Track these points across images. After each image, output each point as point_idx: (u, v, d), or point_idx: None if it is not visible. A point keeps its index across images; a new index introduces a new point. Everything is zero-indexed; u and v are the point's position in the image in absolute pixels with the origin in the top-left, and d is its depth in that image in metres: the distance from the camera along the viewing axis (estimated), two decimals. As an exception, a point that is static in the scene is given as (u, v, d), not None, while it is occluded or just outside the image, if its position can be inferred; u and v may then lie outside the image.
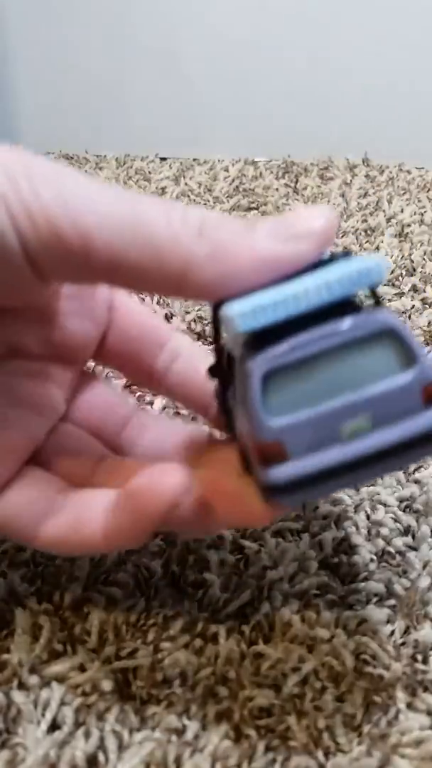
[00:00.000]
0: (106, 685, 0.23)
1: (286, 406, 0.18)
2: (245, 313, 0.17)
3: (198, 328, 0.43)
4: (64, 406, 0.25)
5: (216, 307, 0.20)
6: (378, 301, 0.19)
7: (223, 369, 0.22)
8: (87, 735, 0.22)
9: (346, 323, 0.18)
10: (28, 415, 0.24)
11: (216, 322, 0.20)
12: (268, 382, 0.18)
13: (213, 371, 0.23)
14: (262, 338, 0.18)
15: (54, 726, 0.22)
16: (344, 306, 0.18)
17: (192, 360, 0.26)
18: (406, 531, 0.29)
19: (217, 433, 0.27)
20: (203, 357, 0.26)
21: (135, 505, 0.21)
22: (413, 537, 0.29)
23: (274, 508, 0.20)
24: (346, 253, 0.19)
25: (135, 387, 0.36)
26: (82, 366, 0.26)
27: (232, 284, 0.19)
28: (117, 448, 0.26)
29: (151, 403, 0.35)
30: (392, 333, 0.18)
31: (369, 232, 0.56)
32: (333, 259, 0.19)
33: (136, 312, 0.26)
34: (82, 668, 0.24)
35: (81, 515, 0.22)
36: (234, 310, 0.18)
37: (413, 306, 0.45)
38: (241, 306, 0.18)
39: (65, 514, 0.22)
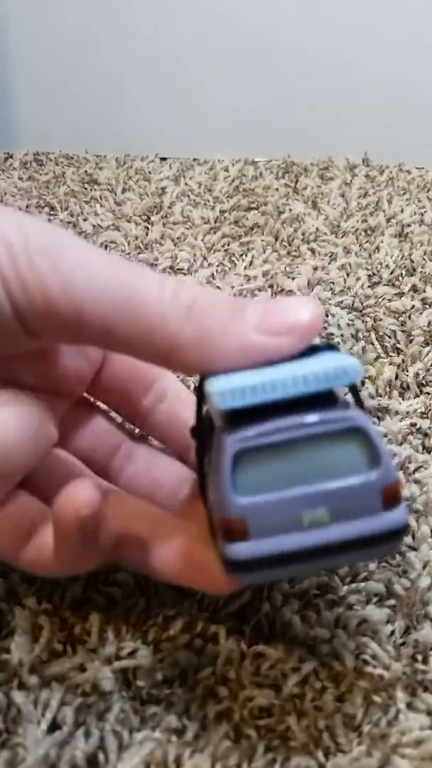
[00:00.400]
0: (106, 685, 0.23)
1: (253, 487, 0.18)
2: (225, 392, 0.18)
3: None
4: (56, 434, 0.26)
5: (202, 377, 0.20)
6: (358, 399, 0.21)
7: (203, 434, 0.22)
8: (87, 735, 0.22)
9: (318, 417, 0.19)
10: None
11: (200, 389, 0.21)
12: (239, 462, 0.18)
13: (194, 433, 0.24)
14: (240, 415, 0.19)
15: (54, 726, 0.22)
16: (322, 397, 0.19)
17: (176, 402, 0.27)
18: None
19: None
20: (187, 400, 0.27)
21: (54, 523, 0.21)
22: (413, 537, 0.29)
23: (234, 581, 0.20)
24: (331, 345, 0.21)
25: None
26: (75, 398, 0.27)
27: (216, 367, 0.19)
28: (107, 478, 0.27)
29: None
30: (360, 432, 0.19)
31: (369, 232, 0.56)
32: (317, 348, 0.20)
33: None
34: (82, 668, 0.24)
35: (45, 539, 0.23)
36: (216, 387, 0.19)
37: (413, 306, 0.45)
38: (223, 385, 0.18)
39: (37, 539, 0.23)
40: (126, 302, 0.19)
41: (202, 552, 0.21)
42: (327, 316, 0.44)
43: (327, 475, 0.19)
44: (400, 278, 0.49)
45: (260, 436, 0.18)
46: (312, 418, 0.19)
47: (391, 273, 0.49)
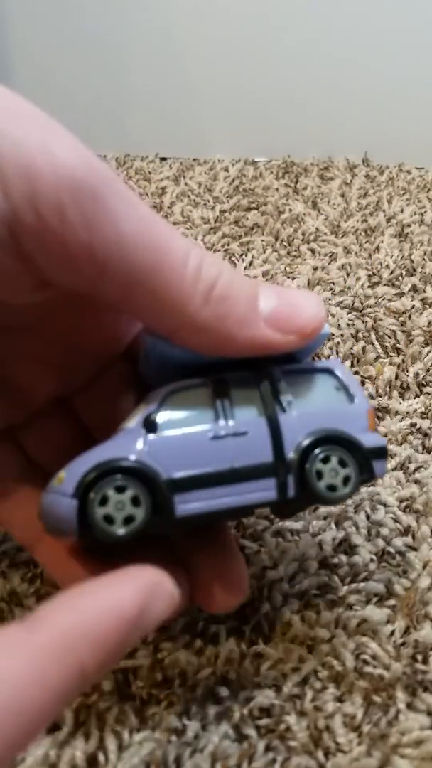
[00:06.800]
0: (106, 685, 0.23)
1: None
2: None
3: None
4: None
5: None
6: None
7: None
8: (87, 735, 0.22)
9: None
10: None
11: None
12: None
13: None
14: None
15: (54, 726, 0.22)
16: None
17: None
18: (406, 531, 0.29)
19: None
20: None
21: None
22: (413, 537, 0.29)
23: None
24: None
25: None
26: (33, 409, 0.25)
27: (221, 352, 0.20)
28: None
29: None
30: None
31: (369, 232, 0.56)
32: None
33: None
34: (82, 668, 0.24)
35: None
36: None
37: (413, 306, 0.45)
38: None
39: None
40: (151, 272, 0.18)
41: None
42: (327, 316, 0.44)
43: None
44: (400, 278, 0.49)
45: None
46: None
47: (391, 273, 0.49)
